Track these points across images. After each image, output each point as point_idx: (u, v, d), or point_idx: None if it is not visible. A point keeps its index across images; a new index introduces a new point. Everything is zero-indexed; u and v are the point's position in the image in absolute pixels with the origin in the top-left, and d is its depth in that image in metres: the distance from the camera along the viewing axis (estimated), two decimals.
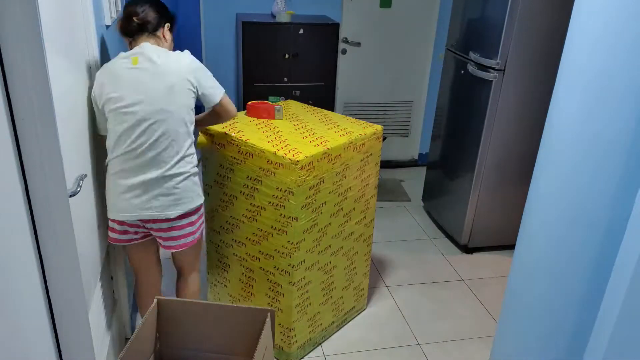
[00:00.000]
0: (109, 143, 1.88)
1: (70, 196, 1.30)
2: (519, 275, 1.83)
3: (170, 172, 1.89)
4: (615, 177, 1.44)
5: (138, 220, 1.93)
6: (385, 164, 4.66)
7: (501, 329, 1.97)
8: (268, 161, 2.04)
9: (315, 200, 2.11)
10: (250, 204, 2.17)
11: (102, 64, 1.97)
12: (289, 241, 2.10)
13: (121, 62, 1.89)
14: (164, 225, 1.95)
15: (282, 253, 2.14)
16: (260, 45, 3.62)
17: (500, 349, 1.97)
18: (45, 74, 0.92)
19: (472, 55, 3.11)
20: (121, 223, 1.95)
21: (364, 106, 4.44)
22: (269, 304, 2.30)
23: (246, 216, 2.21)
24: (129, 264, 2.18)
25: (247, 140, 2.10)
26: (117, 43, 2.58)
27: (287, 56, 3.68)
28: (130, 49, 1.97)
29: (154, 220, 1.94)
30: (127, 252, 2.12)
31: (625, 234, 1.37)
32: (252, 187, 2.14)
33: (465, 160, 3.25)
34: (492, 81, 2.94)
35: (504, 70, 2.90)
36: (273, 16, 3.82)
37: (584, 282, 1.57)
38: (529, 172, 1.81)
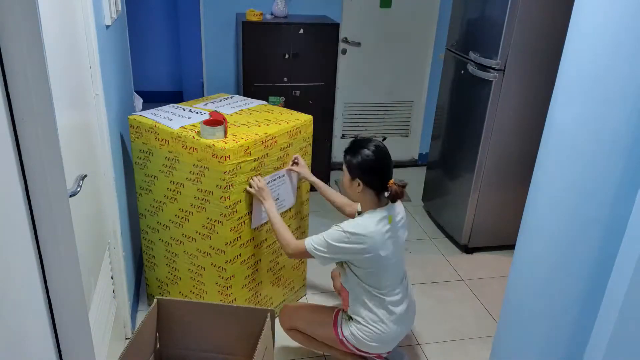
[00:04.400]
0: None
1: (70, 196, 1.30)
2: (519, 275, 1.83)
3: None
4: (615, 177, 1.44)
5: None
6: None
7: (501, 329, 1.97)
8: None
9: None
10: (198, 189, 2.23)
11: (102, 64, 1.97)
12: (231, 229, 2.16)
13: None
14: None
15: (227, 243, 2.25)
16: (260, 45, 3.62)
17: (500, 349, 1.97)
18: (45, 74, 0.92)
19: (472, 55, 3.11)
20: None
21: (364, 106, 4.44)
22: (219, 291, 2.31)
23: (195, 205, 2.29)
24: None
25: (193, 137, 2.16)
26: (117, 43, 2.58)
27: (287, 56, 3.68)
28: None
29: None
30: None
31: (625, 234, 1.37)
32: (195, 180, 2.21)
33: (465, 160, 3.25)
34: (492, 81, 2.94)
35: (504, 70, 2.90)
36: (273, 16, 3.82)
37: (584, 282, 1.57)
38: (529, 172, 1.81)
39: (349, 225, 1.98)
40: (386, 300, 2.07)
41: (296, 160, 2.42)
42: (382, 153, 1.98)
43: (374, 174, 1.97)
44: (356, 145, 2.01)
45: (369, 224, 1.97)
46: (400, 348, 2.43)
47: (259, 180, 2.20)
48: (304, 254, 2.07)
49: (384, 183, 1.98)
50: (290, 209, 2.53)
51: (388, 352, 2.23)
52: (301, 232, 2.69)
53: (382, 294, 2.06)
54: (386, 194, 2.00)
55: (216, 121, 2.14)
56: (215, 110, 2.36)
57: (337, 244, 1.98)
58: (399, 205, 2.12)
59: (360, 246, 1.96)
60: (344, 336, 2.13)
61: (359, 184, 1.99)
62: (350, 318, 2.14)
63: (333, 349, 2.25)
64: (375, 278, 2.04)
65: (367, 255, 1.97)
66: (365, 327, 2.08)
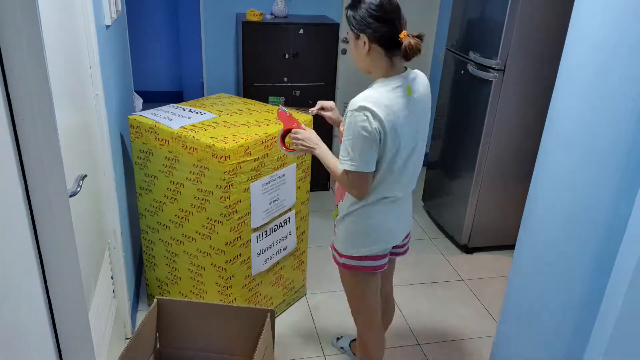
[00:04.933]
0: None
1: (70, 196, 1.30)
2: (519, 275, 1.83)
3: None
4: (615, 177, 1.44)
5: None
6: None
7: (501, 329, 1.97)
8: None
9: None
10: (198, 189, 2.23)
11: (102, 64, 1.97)
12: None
13: None
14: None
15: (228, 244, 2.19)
16: (260, 45, 3.62)
17: (500, 349, 1.97)
18: (45, 74, 0.92)
19: (472, 55, 3.11)
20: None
21: None
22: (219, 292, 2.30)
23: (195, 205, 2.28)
24: (370, 302, 1.94)
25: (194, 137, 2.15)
26: (117, 43, 2.58)
27: (287, 56, 3.68)
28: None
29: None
30: (377, 284, 1.91)
31: (625, 234, 1.37)
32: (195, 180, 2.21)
33: (465, 160, 3.25)
34: (492, 81, 2.94)
35: (504, 70, 2.90)
36: (273, 16, 3.82)
37: (584, 282, 1.57)
38: (529, 172, 1.81)
39: (353, 104, 1.65)
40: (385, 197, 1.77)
41: (329, 107, 1.99)
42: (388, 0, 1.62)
43: (380, 24, 1.61)
44: None
45: (376, 93, 1.65)
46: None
47: (296, 130, 1.87)
48: (348, 178, 1.68)
49: (394, 36, 1.61)
50: (290, 209, 2.53)
51: (385, 257, 1.88)
52: (301, 231, 2.69)
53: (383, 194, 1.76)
54: (398, 52, 1.64)
55: (286, 131, 1.95)
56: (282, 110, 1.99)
57: (356, 137, 1.62)
58: (421, 78, 1.79)
59: (373, 124, 1.60)
60: (338, 254, 1.87)
61: (364, 43, 1.65)
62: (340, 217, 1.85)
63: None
64: (388, 181, 1.72)
65: (383, 136, 1.63)
66: (356, 213, 1.79)
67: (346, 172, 1.68)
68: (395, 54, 1.66)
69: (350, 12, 1.67)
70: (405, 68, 1.74)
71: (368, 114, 1.61)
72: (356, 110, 1.62)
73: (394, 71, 1.70)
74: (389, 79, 1.69)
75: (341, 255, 1.86)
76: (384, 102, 1.64)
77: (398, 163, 1.71)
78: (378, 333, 2.03)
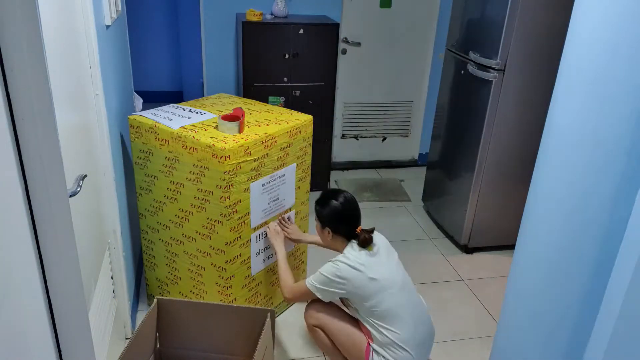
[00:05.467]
0: None
1: (70, 196, 1.30)
2: (519, 275, 1.83)
3: None
4: (615, 177, 1.44)
5: None
6: (385, 164, 4.66)
7: (501, 329, 1.97)
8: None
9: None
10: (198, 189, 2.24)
11: (102, 64, 1.97)
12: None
13: None
14: None
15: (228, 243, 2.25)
16: (260, 45, 3.62)
17: (500, 349, 1.97)
18: (45, 74, 0.92)
19: (472, 55, 3.11)
20: None
21: (364, 106, 4.44)
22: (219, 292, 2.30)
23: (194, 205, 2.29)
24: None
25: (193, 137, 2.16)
26: (117, 43, 2.58)
27: (287, 56, 3.68)
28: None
29: None
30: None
31: (625, 234, 1.37)
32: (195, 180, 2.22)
33: (465, 160, 3.25)
34: (492, 81, 2.94)
35: (504, 70, 2.90)
36: (273, 16, 3.82)
37: (584, 282, 1.57)
38: (529, 172, 1.81)
39: (340, 257, 2.08)
40: (397, 334, 2.04)
41: (285, 226, 2.49)
42: (349, 203, 2.12)
43: (341, 223, 2.11)
44: (325, 196, 2.15)
45: (350, 251, 2.08)
46: None
47: (276, 225, 2.42)
48: (305, 294, 2.14)
49: (352, 231, 2.10)
50: (289, 208, 2.53)
51: None
52: (302, 231, 2.69)
53: (391, 330, 2.04)
54: (355, 241, 2.10)
55: (233, 116, 2.18)
56: (239, 107, 2.43)
57: (332, 277, 2.03)
58: (377, 237, 2.17)
59: (354, 272, 2.02)
60: None
61: (329, 232, 2.13)
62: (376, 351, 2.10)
63: None
64: (379, 312, 2.03)
65: (360, 281, 2.01)
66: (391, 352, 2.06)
67: (307, 288, 2.12)
68: (352, 240, 2.11)
69: (318, 208, 2.15)
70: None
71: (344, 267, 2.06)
72: (334, 263, 2.07)
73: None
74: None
75: None
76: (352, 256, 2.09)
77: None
78: None
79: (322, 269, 2.08)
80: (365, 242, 2.07)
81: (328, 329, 2.17)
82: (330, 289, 2.06)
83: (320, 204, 2.15)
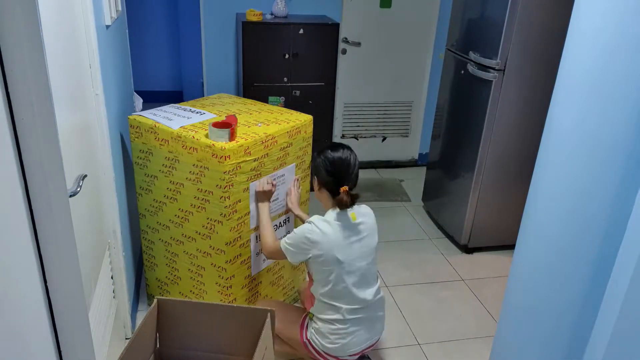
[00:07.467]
0: None
1: (70, 196, 1.30)
2: (519, 275, 1.83)
3: None
4: (615, 177, 1.44)
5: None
6: (385, 164, 4.66)
7: (501, 329, 1.97)
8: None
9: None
10: (198, 188, 2.23)
11: (102, 64, 1.97)
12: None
13: None
14: None
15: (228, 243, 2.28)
16: (260, 45, 3.62)
17: (500, 349, 1.97)
18: (45, 74, 0.92)
19: (472, 55, 3.11)
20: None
21: (364, 106, 4.44)
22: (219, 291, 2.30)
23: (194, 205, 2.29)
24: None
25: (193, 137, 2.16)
26: (117, 43, 2.58)
27: (287, 56, 3.68)
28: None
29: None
30: None
31: (625, 234, 1.37)
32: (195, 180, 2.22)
33: (465, 160, 3.25)
34: (492, 81, 2.94)
35: (504, 70, 2.91)
36: (273, 16, 3.82)
37: (584, 282, 1.57)
38: (529, 172, 1.81)
39: (316, 218, 2.06)
40: (343, 308, 2.08)
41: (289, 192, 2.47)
42: (341, 160, 2.05)
43: (328, 175, 2.06)
44: (326, 146, 2.12)
45: (331, 214, 2.06)
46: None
47: (268, 183, 2.29)
48: (278, 252, 2.13)
49: (336, 188, 2.04)
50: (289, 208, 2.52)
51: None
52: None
53: (340, 303, 2.08)
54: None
55: (224, 124, 2.15)
56: (233, 115, 2.39)
57: (302, 237, 2.03)
58: (366, 211, 2.15)
59: (318, 237, 2.01)
60: (307, 339, 2.16)
61: (317, 182, 2.12)
62: (312, 317, 2.16)
63: (293, 351, 2.26)
64: (333, 287, 2.05)
65: (322, 251, 2.01)
66: (326, 325, 2.10)
67: (280, 248, 2.14)
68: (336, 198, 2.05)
69: (314, 155, 2.14)
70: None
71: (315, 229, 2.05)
72: (309, 222, 2.07)
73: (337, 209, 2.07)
74: (337, 210, 2.06)
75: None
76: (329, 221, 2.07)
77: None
78: None
79: (298, 227, 2.09)
80: (342, 203, 2.00)
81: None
82: (297, 250, 2.06)
83: (318, 151, 2.13)
